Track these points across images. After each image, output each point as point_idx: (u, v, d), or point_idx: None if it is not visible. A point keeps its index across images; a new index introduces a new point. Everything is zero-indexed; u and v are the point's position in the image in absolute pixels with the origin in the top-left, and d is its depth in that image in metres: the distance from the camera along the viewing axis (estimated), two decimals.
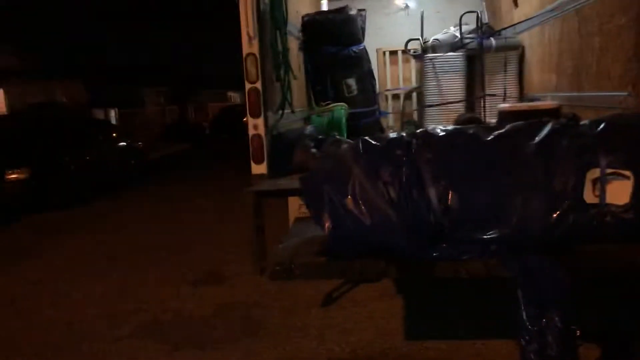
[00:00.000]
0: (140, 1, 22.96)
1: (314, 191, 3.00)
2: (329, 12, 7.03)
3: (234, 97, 37.89)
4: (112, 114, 22.92)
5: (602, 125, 2.79)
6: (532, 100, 6.47)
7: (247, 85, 4.27)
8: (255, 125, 4.31)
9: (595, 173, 2.65)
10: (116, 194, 11.86)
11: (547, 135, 2.79)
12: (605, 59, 4.54)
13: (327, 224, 2.85)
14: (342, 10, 6.75)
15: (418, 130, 3.03)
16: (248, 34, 4.21)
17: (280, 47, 4.89)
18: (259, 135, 4.30)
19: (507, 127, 2.92)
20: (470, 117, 6.59)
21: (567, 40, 5.39)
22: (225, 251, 6.66)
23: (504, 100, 6.71)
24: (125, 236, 8.04)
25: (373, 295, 4.70)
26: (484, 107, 6.68)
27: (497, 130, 2.90)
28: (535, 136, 2.80)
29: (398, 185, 2.76)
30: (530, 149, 2.76)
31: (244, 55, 4.24)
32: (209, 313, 4.92)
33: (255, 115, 4.29)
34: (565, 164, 2.67)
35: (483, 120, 6.56)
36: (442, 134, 2.92)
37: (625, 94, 4.15)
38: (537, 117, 5.21)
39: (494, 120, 6.51)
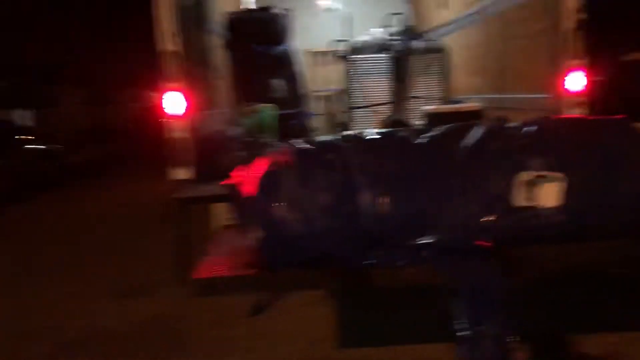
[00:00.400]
0: None
1: (243, 198, 2.82)
2: (254, 10, 6.86)
3: (157, 97, 36.74)
4: (28, 115, 21.50)
5: (532, 127, 2.80)
6: (456, 102, 6.58)
7: (170, 85, 4.02)
8: (178, 127, 4.06)
9: (526, 176, 2.64)
10: (31, 200, 11.07)
11: (477, 137, 2.76)
12: (526, 62, 4.66)
13: (256, 233, 2.68)
14: (268, 8, 6.60)
15: (348, 134, 2.93)
16: (169, 29, 3.95)
17: (203, 45, 4.67)
18: (182, 138, 4.06)
19: (437, 130, 2.87)
20: (397, 120, 6.63)
21: (491, 43, 5.51)
22: (148, 261, 6.30)
23: (430, 103, 6.79)
24: (39, 247, 7.47)
25: (302, 302, 4.55)
26: (409, 109, 6.72)
27: (427, 133, 2.83)
28: (466, 138, 2.76)
29: (330, 190, 2.65)
30: (461, 152, 2.72)
31: (164, 53, 3.99)
32: (133, 328, 4.60)
33: (177, 116, 4.05)
34: (495, 166, 2.65)
35: (409, 122, 6.60)
36: (373, 137, 2.83)
37: (547, 95, 4.27)
38: (461, 118, 5.35)
39: (420, 123, 6.58)
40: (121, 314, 4.93)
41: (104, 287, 5.64)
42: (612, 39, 6.02)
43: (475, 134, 2.74)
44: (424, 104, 6.73)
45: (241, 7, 7.60)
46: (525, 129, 2.80)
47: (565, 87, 3.97)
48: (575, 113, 3.95)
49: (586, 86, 3.96)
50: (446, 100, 7.07)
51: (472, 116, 5.69)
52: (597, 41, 4.33)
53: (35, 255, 6.98)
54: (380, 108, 6.96)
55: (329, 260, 2.69)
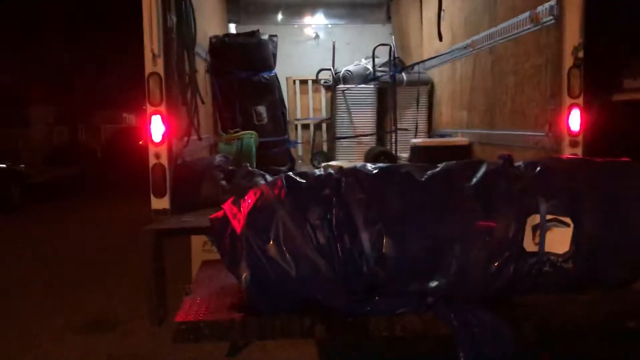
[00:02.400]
0: (31, 15, 21.22)
1: (229, 234, 2.59)
2: (239, 35, 6.70)
3: (129, 118, 36.18)
4: None
5: (539, 168, 2.65)
6: (442, 135, 6.50)
7: (149, 108, 3.79)
8: (157, 154, 3.81)
9: (535, 219, 2.48)
10: None
11: (483, 177, 2.60)
12: (520, 98, 4.57)
13: (244, 274, 2.44)
14: (254, 34, 6.45)
15: (348, 167, 2.73)
16: (152, 51, 3.74)
17: (187, 68, 4.46)
18: (161, 165, 3.81)
19: (441, 166, 2.70)
20: (382, 151, 6.51)
21: (480, 77, 5.44)
22: (115, 293, 5.95)
23: (415, 135, 6.69)
24: None
25: (284, 343, 4.30)
26: (395, 141, 6.60)
27: (431, 169, 2.66)
28: (472, 177, 2.60)
29: (327, 229, 2.43)
30: (467, 191, 2.55)
31: (146, 74, 3.76)
32: None
33: (157, 141, 3.80)
34: (504, 209, 2.49)
35: (394, 154, 6.48)
36: (374, 171, 2.64)
37: (541, 134, 4.16)
38: (449, 152, 5.24)
39: (405, 155, 6.47)
40: (87, 350, 4.58)
41: (69, 319, 5.27)
42: (601, 78, 6.02)
43: (482, 172, 2.58)
44: (409, 136, 6.64)
45: (227, 31, 7.47)
46: (532, 168, 2.65)
47: (561, 125, 3.87)
48: (571, 153, 3.84)
49: (582, 125, 3.87)
50: (431, 133, 7.00)
51: (460, 150, 5.61)
52: (591, 80, 4.26)
53: None
54: (365, 139, 6.84)
55: (322, 305, 2.47)
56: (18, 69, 21.79)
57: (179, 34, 4.33)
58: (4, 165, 12.49)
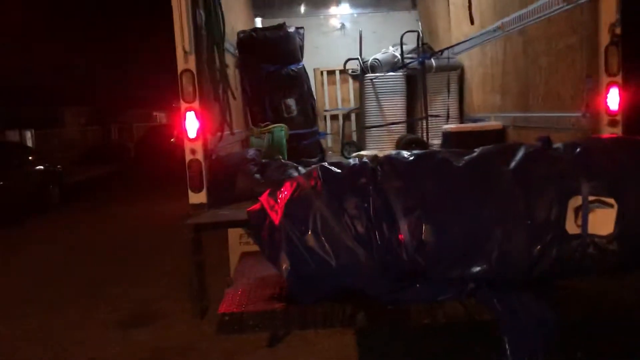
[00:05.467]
0: (60, 16, 21.65)
1: (267, 226, 2.61)
2: (266, 28, 6.71)
3: (160, 117, 36.72)
4: (28, 135, 21.38)
5: (578, 149, 2.60)
6: (474, 120, 6.41)
7: (183, 105, 3.83)
8: (193, 150, 3.86)
9: (577, 201, 2.44)
10: (33, 222, 10.86)
11: (522, 160, 2.56)
12: (554, 79, 4.47)
13: (284, 265, 2.47)
14: (281, 27, 6.46)
15: (382, 155, 2.73)
16: (184, 48, 3.78)
17: (218, 64, 4.50)
18: (197, 160, 3.86)
19: (478, 151, 2.67)
20: (413, 139, 6.46)
21: (511, 60, 5.34)
22: (155, 287, 6.07)
23: (447, 121, 6.62)
24: (42, 271, 7.24)
25: (324, 332, 4.33)
26: (426, 128, 6.55)
27: (469, 154, 2.63)
28: (510, 161, 2.57)
29: (365, 218, 2.44)
30: (507, 175, 2.52)
31: (179, 71, 3.81)
32: None
33: (193, 137, 3.85)
34: (545, 191, 2.45)
35: (426, 141, 6.43)
36: (410, 159, 2.63)
37: (578, 114, 4.07)
38: (481, 137, 5.16)
39: (436, 142, 6.41)
40: (130, 343, 4.70)
41: (112, 314, 5.41)
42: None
43: (521, 155, 2.54)
44: (440, 122, 6.57)
45: (254, 25, 7.50)
46: (572, 150, 2.60)
47: (599, 105, 3.77)
48: (610, 132, 3.74)
49: (620, 104, 3.77)
50: (463, 118, 6.91)
51: (493, 135, 5.52)
52: (631, 57, 4.15)
53: (37, 281, 6.75)
54: (395, 127, 6.79)
55: (362, 294, 2.48)
56: (49, 70, 22.27)
57: (209, 30, 4.36)
58: (42, 167, 12.79)
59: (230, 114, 4.73)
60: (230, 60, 5.56)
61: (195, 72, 3.87)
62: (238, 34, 6.19)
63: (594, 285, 2.49)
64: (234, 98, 4.99)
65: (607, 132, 3.74)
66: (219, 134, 4.41)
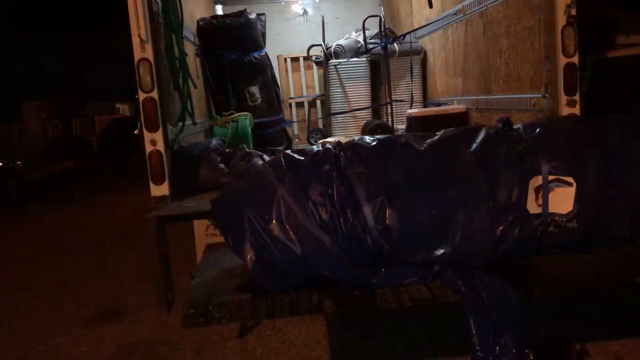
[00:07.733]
0: (17, 8, 20.93)
1: (231, 216, 2.57)
2: (227, 15, 6.59)
3: (123, 109, 35.97)
4: None
5: (538, 129, 2.63)
6: (437, 104, 6.44)
7: (142, 95, 3.72)
8: (153, 140, 3.76)
9: (537, 181, 2.47)
10: None
11: (483, 142, 2.58)
12: (514, 61, 4.52)
13: (249, 255, 2.44)
14: (241, 14, 6.36)
15: (345, 141, 2.71)
16: (140, 36, 3.67)
17: (177, 52, 4.40)
18: (157, 152, 3.76)
19: (440, 134, 2.68)
20: (378, 124, 6.46)
21: (472, 43, 5.37)
22: (120, 283, 5.96)
23: (411, 106, 6.64)
24: (3, 270, 7.04)
25: (293, 321, 4.33)
26: (391, 113, 6.56)
27: (430, 138, 2.64)
28: (471, 144, 2.58)
29: (329, 205, 2.42)
30: (468, 157, 2.53)
31: (136, 61, 3.70)
32: (109, 356, 4.29)
33: (153, 128, 3.75)
34: (506, 172, 2.47)
35: (391, 126, 6.44)
36: (372, 144, 2.61)
37: (538, 95, 4.13)
38: (446, 121, 5.20)
39: (401, 127, 6.43)
40: (96, 340, 4.61)
41: (77, 311, 5.30)
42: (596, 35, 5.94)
43: (482, 137, 2.56)
44: (404, 107, 6.59)
45: (214, 13, 7.36)
46: (532, 130, 2.63)
47: (557, 85, 3.82)
48: (569, 113, 3.80)
49: (578, 84, 3.83)
50: (426, 102, 6.95)
51: (457, 118, 5.57)
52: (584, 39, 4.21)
53: None
54: (361, 113, 6.79)
55: (329, 281, 2.47)
56: (8, 65, 21.59)
57: (166, 17, 4.25)
58: (0, 164, 12.42)
59: (191, 103, 4.63)
60: (190, 48, 5.45)
61: (152, 61, 3.77)
62: (198, 21, 6.06)
63: (555, 263, 2.53)
64: (195, 87, 4.88)
65: (566, 112, 3.81)
66: (180, 124, 4.31)
